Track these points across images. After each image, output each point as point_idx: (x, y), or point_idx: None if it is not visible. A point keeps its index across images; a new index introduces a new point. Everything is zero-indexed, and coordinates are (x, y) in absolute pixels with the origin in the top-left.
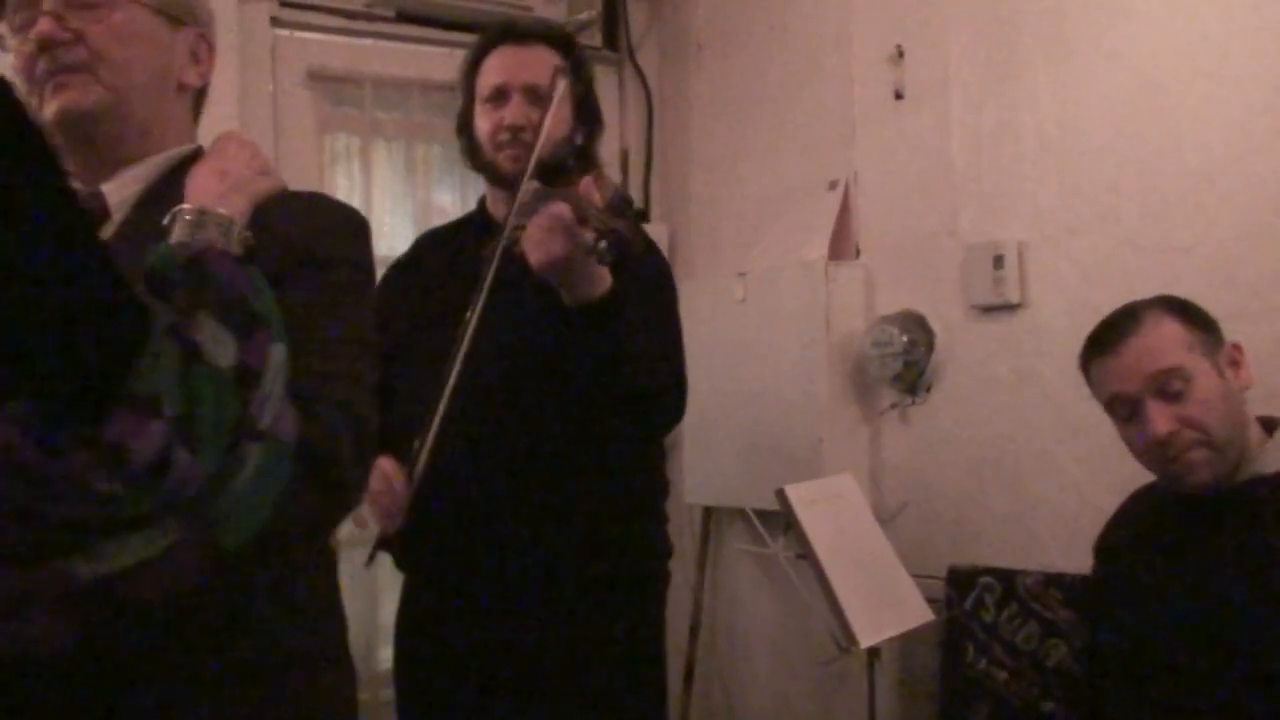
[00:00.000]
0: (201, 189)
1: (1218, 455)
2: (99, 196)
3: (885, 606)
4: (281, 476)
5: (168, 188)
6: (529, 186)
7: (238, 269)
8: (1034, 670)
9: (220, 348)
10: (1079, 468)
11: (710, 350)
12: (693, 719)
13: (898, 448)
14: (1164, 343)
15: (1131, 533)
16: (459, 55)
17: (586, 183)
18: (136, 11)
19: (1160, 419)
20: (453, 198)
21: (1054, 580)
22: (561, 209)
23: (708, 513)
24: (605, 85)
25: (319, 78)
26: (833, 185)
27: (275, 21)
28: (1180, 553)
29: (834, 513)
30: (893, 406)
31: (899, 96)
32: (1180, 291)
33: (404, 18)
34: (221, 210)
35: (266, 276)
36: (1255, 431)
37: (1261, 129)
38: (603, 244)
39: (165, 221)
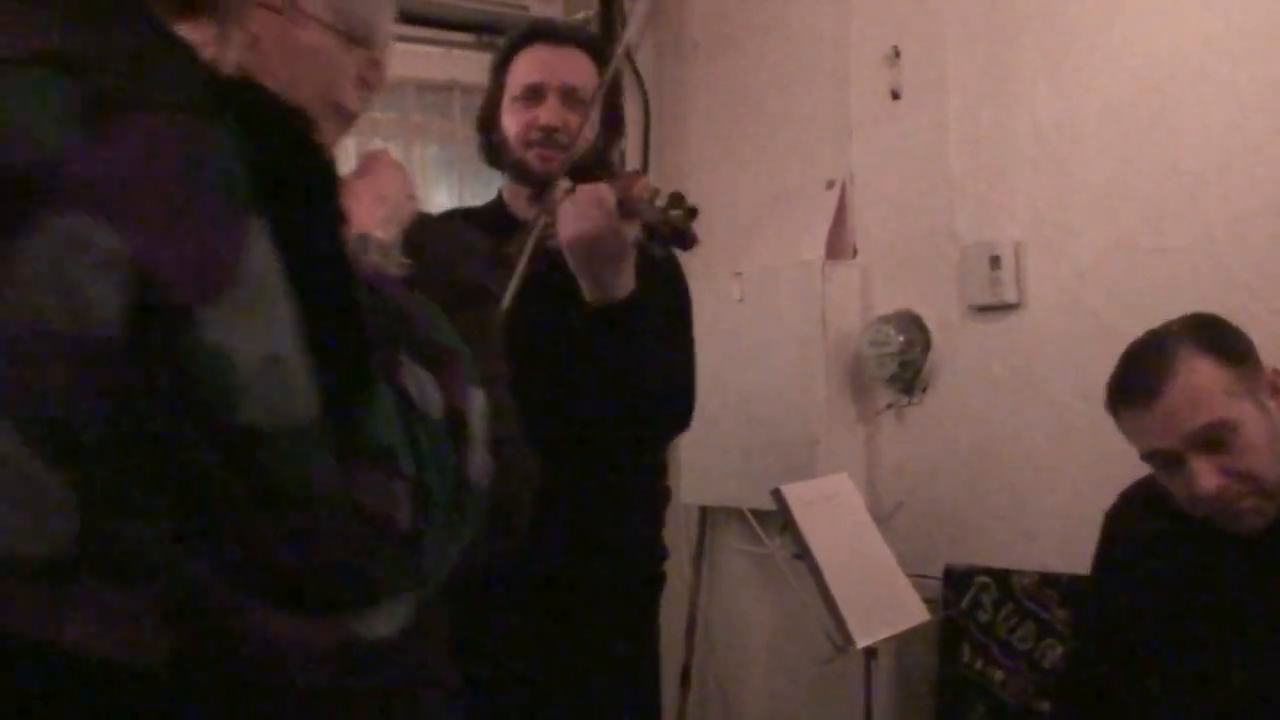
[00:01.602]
0: (364, 215)
1: (1269, 501)
2: None
3: (882, 606)
4: (475, 527)
5: None
6: (563, 185)
7: (412, 299)
8: (1030, 670)
9: (428, 396)
10: (1076, 467)
11: (707, 350)
12: (689, 719)
13: (894, 448)
14: (1201, 393)
15: (1159, 525)
16: (456, 55)
17: (627, 177)
18: (314, 28)
19: (1206, 476)
20: (449, 198)
21: (1050, 580)
22: (602, 188)
23: (704, 512)
24: None
25: None
26: (829, 185)
27: None
28: (1228, 573)
29: (830, 513)
30: (889, 406)
31: (896, 97)
32: (1176, 293)
33: (401, 18)
34: (381, 235)
35: None
36: None
37: (1258, 129)
38: (656, 240)
39: None
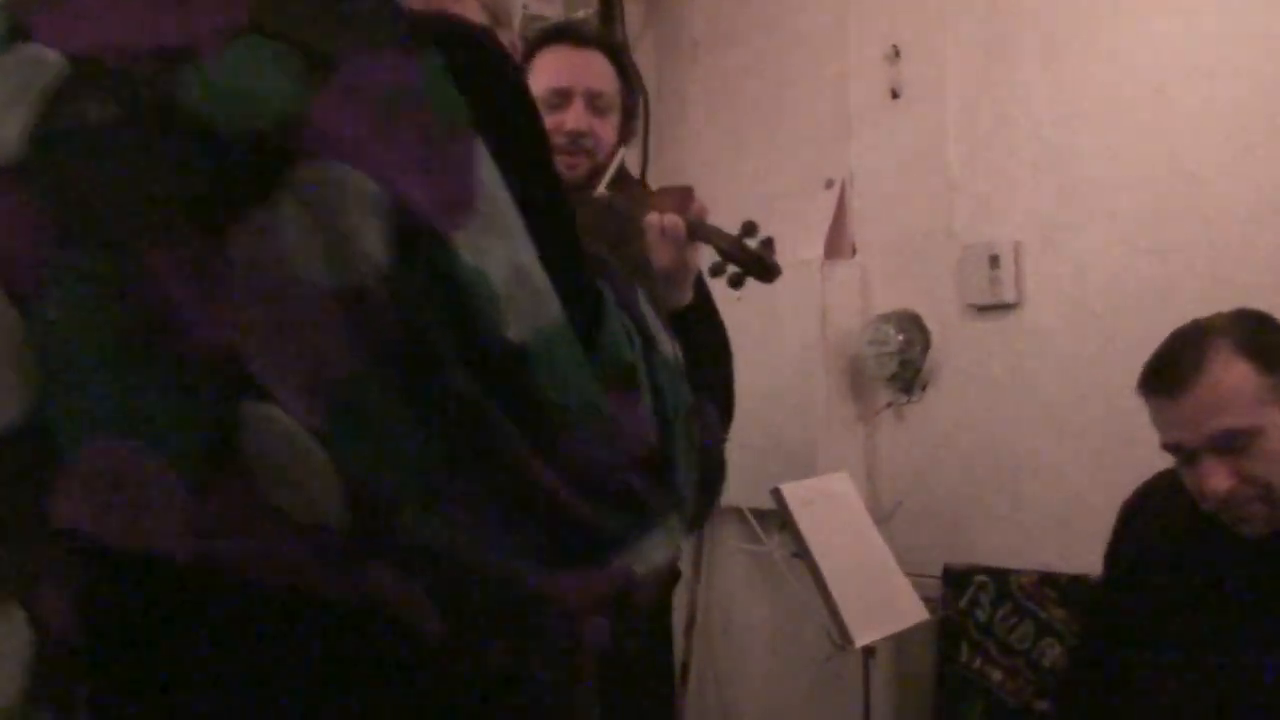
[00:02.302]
0: None
1: (1276, 509)
2: None
3: (880, 605)
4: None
5: None
6: (600, 194)
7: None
8: (1028, 669)
9: (661, 333)
10: (1074, 467)
11: None
12: (688, 717)
13: (893, 447)
14: (1230, 396)
15: (1172, 524)
16: None
17: (679, 196)
18: (473, 7)
19: (1218, 477)
20: None
21: (1049, 579)
22: (673, 219)
23: None
24: None
25: None
26: (829, 184)
27: None
28: (1235, 578)
29: (829, 512)
30: (888, 405)
31: (895, 96)
32: (1175, 292)
33: None
34: None
35: None
36: None
37: (1257, 129)
38: (731, 267)
39: None
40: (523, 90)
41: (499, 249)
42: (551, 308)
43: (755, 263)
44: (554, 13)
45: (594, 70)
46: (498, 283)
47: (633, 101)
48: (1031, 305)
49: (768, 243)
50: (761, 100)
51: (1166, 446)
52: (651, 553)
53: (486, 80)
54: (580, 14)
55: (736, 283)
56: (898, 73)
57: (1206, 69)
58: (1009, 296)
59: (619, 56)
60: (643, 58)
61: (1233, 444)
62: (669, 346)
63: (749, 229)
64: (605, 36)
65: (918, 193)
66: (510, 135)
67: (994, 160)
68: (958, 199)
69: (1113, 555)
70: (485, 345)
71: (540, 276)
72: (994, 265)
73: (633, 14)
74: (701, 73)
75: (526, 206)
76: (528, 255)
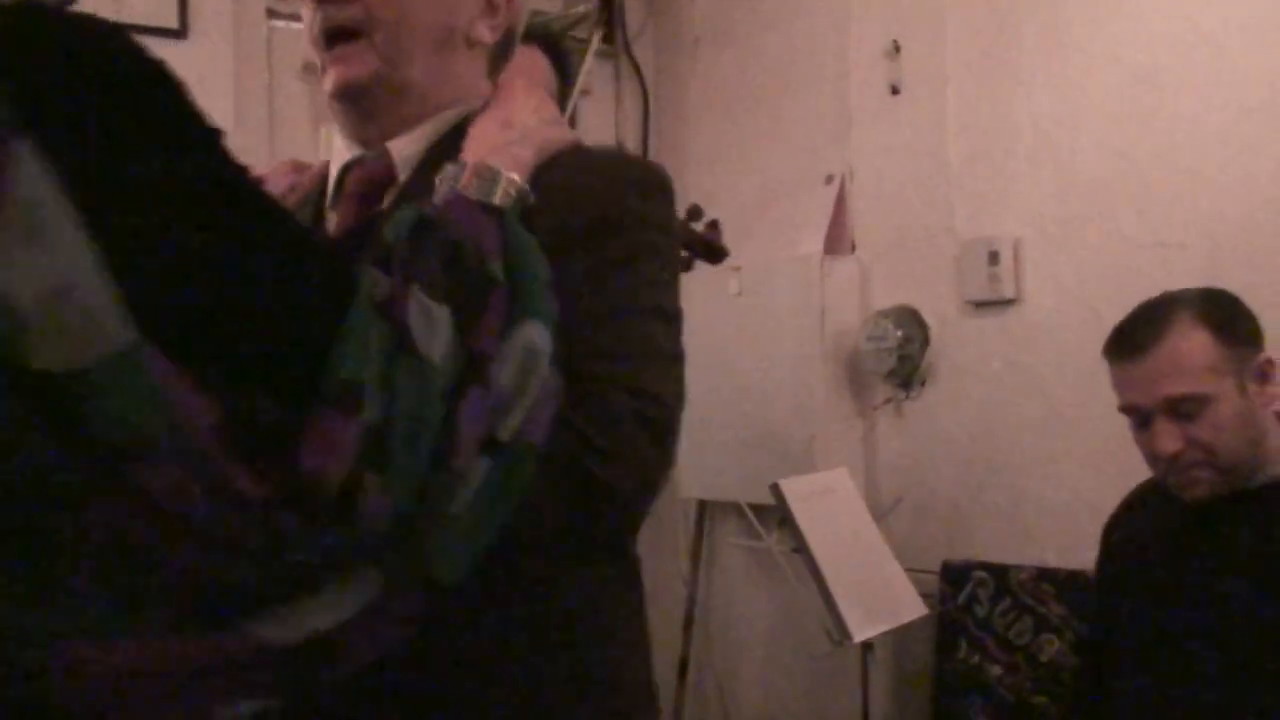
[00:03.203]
0: (481, 138)
1: (1220, 475)
2: (385, 154)
3: (879, 601)
4: (519, 490)
5: (452, 146)
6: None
7: (486, 222)
8: (1027, 665)
9: (431, 334)
10: (1073, 463)
11: (705, 345)
12: (687, 713)
13: (892, 443)
14: (1186, 363)
15: (1143, 525)
16: None
17: None
18: None
19: (1166, 438)
20: None
21: (1047, 575)
22: None
23: (702, 506)
24: (601, 78)
25: (315, 70)
26: (828, 180)
27: (270, 13)
28: (1190, 553)
29: (828, 507)
30: (887, 401)
31: (895, 91)
32: (1174, 288)
33: None
34: (488, 162)
35: (548, 243)
36: (1276, 433)
37: (1256, 125)
38: (683, 252)
39: (436, 183)
40: (135, 73)
41: (32, 265)
42: (109, 332)
43: (701, 245)
44: (554, 10)
45: (532, 68)
46: (23, 303)
47: (569, 88)
48: (1031, 301)
49: (714, 224)
50: (761, 96)
51: (1123, 409)
52: (313, 613)
53: (65, 65)
54: (580, 9)
55: (685, 266)
56: (898, 68)
57: (1205, 65)
58: (1008, 292)
59: (557, 51)
60: (643, 54)
61: (1184, 409)
62: (440, 350)
63: (694, 213)
64: (540, 28)
65: (917, 188)
66: (113, 125)
67: (994, 156)
68: (957, 195)
69: (1101, 567)
70: (9, 376)
71: (97, 296)
72: (993, 261)
73: (633, 10)
74: (701, 69)
75: (159, 201)
76: (82, 273)
